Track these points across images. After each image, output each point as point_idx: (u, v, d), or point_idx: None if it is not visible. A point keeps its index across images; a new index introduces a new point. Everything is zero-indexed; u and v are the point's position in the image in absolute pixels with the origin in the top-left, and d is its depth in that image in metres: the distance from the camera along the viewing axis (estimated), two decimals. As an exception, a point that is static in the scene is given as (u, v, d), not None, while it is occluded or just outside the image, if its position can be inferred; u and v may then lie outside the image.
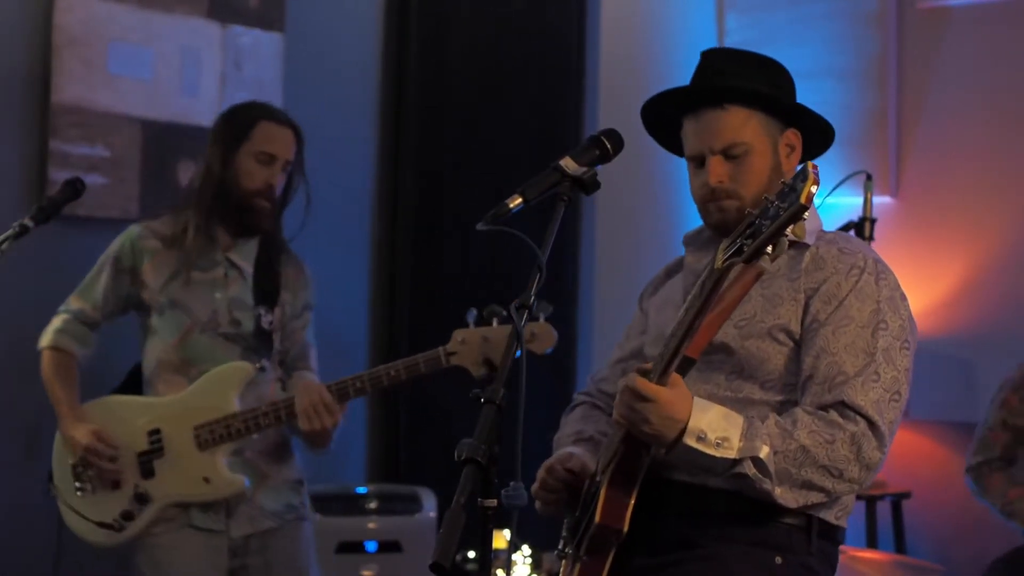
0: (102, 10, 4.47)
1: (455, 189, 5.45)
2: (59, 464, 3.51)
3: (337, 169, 5.33)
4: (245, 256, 3.58)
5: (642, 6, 5.84)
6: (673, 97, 2.52)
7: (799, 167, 1.95)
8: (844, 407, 2.27)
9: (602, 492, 2.33)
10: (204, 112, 4.72)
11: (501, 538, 4.25)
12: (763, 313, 2.40)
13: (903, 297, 2.41)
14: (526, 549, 4.82)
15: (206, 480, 3.39)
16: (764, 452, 2.19)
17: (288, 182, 3.60)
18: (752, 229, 2.00)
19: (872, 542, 4.66)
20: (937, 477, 4.77)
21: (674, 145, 2.60)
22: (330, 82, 5.26)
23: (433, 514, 4.65)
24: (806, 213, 1.93)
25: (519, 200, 2.23)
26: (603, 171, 2.33)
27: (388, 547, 4.60)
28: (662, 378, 2.20)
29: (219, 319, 3.49)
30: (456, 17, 5.50)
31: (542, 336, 3.38)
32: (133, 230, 3.55)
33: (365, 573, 4.55)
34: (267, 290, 3.57)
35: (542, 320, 3.36)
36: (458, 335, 3.39)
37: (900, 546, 4.76)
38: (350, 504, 4.69)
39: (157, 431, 3.43)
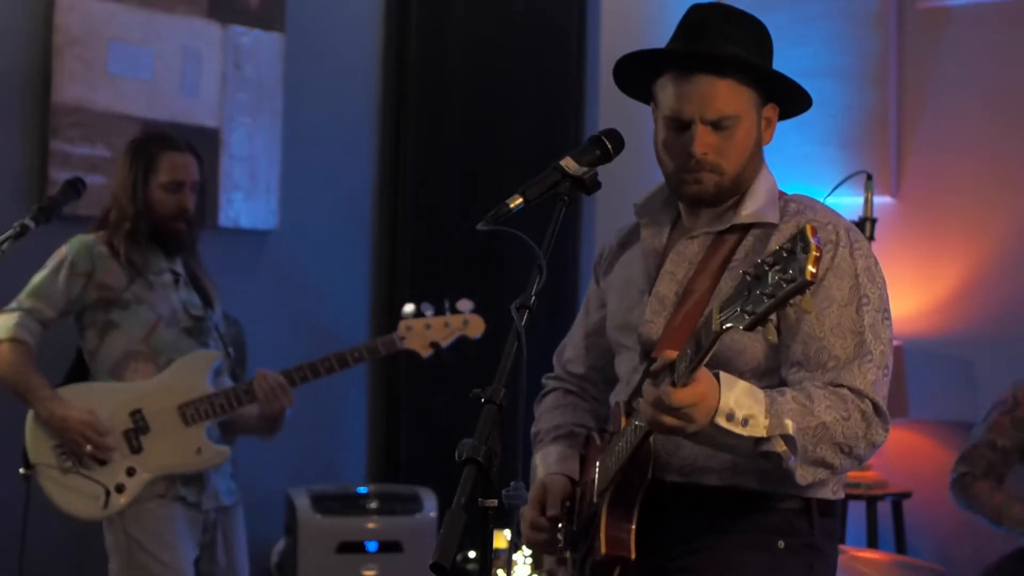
0: (102, 10, 4.47)
1: (455, 189, 5.45)
2: (38, 445, 3.64)
3: (337, 169, 5.34)
4: (181, 268, 3.86)
5: (642, 6, 5.84)
6: (668, 55, 2.41)
7: (799, 230, 1.82)
8: (848, 390, 2.23)
9: (603, 521, 2.31)
10: (204, 112, 4.74)
11: (502, 538, 4.25)
12: None
13: (876, 262, 2.36)
14: (526, 549, 4.82)
15: (199, 451, 3.69)
16: (791, 428, 2.13)
17: (199, 202, 3.84)
18: (749, 293, 1.87)
19: (872, 542, 4.65)
20: (937, 477, 4.76)
21: (638, 91, 2.52)
22: (330, 82, 5.27)
23: (433, 514, 4.66)
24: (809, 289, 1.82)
25: (520, 200, 2.22)
26: (603, 171, 2.32)
27: (388, 547, 4.61)
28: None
29: (179, 316, 3.77)
30: (456, 17, 5.51)
31: (474, 323, 3.88)
32: (86, 239, 3.74)
33: (366, 573, 4.56)
34: (204, 295, 3.88)
35: (468, 312, 3.86)
36: (404, 324, 3.85)
37: (900, 546, 4.76)
38: (350, 504, 4.69)
39: (138, 411, 3.67)
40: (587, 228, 5.86)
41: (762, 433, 2.12)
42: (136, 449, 3.65)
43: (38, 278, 3.69)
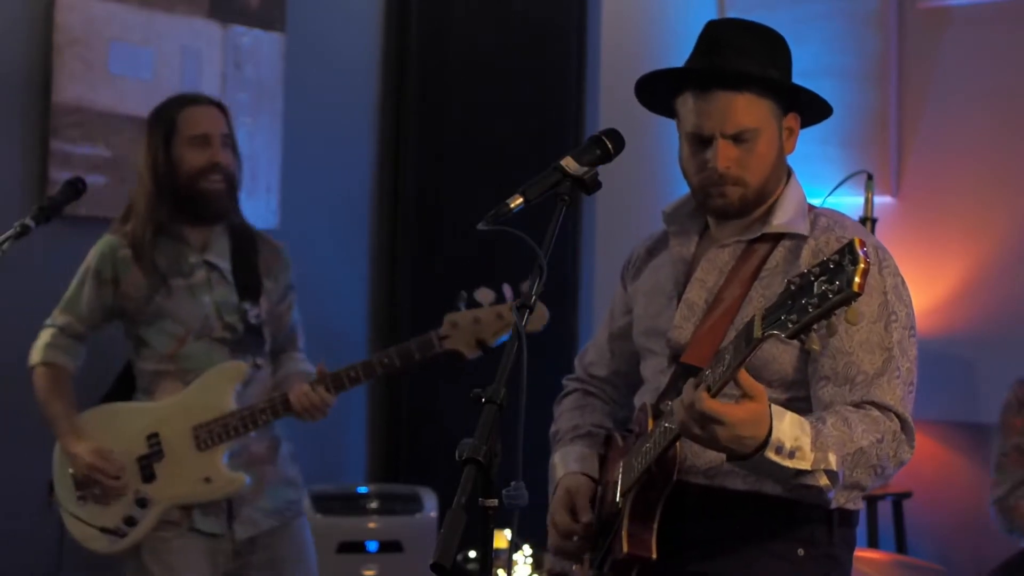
0: (103, 10, 4.47)
1: (455, 189, 5.45)
2: (60, 474, 3.52)
3: (337, 169, 5.34)
4: (220, 253, 3.55)
5: (643, 6, 5.84)
6: (685, 73, 2.45)
7: (846, 242, 1.84)
8: (875, 405, 2.26)
9: (625, 521, 2.32)
10: (205, 112, 4.72)
11: (502, 538, 4.25)
12: None
13: (903, 280, 2.40)
14: (527, 549, 4.83)
15: (207, 480, 3.41)
16: (834, 462, 2.15)
17: (235, 158, 3.54)
18: (793, 302, 1.89)
19: (873, 542, 4.66)
20: (938, 477, 4.76)
21: (661, 108, 2.54)
22: (330, 82, 5.27)
23: (434, 514, 4.66)
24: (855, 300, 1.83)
25: (520, 200, 2.22)
26: (603, 171, 2.33)
27: (389, 547, 4.61)
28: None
29: (211, 324, 3.49)
30: (456, 17, 5.50)
31: (537, 315, 3.23)
32: (110, 240, 3.52)
33: (366, 573, 4.56)
34: (249, 285, 3.55)
35: (508, 303, 3.37)
36: (449, 318, 3.39)
37: (901, 546, 4.76)
38: (351, 504, 4.69)
39: (155, 435, 3.45)
40: (587, 228, 5.86)
41: (807, 467, 2.13)
42: (148, 478, 3.43)
43: (68, 290, 3.54)
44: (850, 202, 4.61)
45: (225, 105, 3.57)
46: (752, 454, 2.11)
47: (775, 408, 2.12)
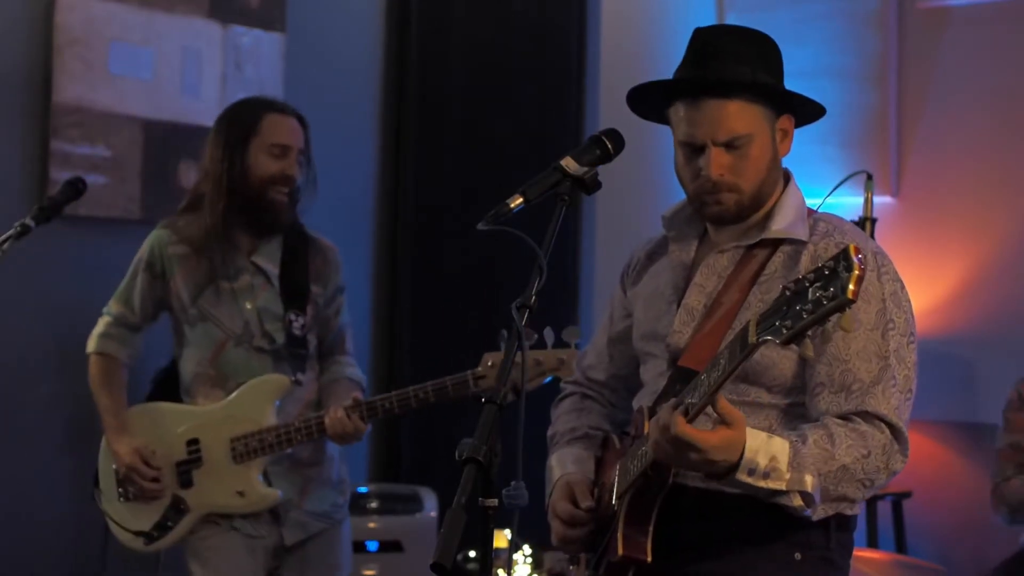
0: (103, 10, 4.47)
1: (455, 189, 5.45)
2: (104, 468, 3.54)
3: (338, 169, 5.34)
4: (270, 257, 3.52)
5: (643, 6, 5.84)
6: (674, 85, 2.44)
7: (841, 249, 1.85)
8: (868, 415, 2.25)
9: (621, 523, 2.32)
10: (205, 112, 4.72)
11: (502, 537, 4.25)
12: None
13: (903, 286, 2.39)
14: (527, 548, 4.83)
15: (240, 494, 3.40)
16: (810, 484, 2.16)
17: (305, 173, 3.55)
18: (788, 308, 1.89)
19: (873, 542, 4.66)
20: (938, 477, 4.77)
21: (655, 115, 2.54)
22: (331, 82, 5.27)
23: (434, 514, 4.66)
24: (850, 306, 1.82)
25: (520, 200, 2.22)
26: (603, 171, 2.33)
27: (389, 547, 4.61)
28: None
29: (252, 331, 3.46)
30: (456, 17, 5.50)
31: (570, 363, 3.20)
32: (161, 235, 3.49)
33: (366, 572, 4.56)
34: (295, 292, 3.52)
35: (573, 347, 3.21)
36: (487, 358, 3.29)
37: (901, 546, 4.76)
38: (351, 504, 4.69)
39: (196, 441, 3.44)
40: (587, 228, 5.86)
41: (782, 487, 2.15)
42: (186, 484, 3.43)
43: (125, 278, 3.52)
44: (850, 202, 4.62)
45: (307, 121, 3.55)
46: (724, 475, 2.14)
47: (751, 431, 2.14)
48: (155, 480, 3.41)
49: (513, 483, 1.96)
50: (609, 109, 5.66)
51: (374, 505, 4.71)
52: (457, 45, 5.50)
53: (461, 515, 1.81)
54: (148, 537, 3.44)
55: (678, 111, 2.42)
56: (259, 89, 4.93)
